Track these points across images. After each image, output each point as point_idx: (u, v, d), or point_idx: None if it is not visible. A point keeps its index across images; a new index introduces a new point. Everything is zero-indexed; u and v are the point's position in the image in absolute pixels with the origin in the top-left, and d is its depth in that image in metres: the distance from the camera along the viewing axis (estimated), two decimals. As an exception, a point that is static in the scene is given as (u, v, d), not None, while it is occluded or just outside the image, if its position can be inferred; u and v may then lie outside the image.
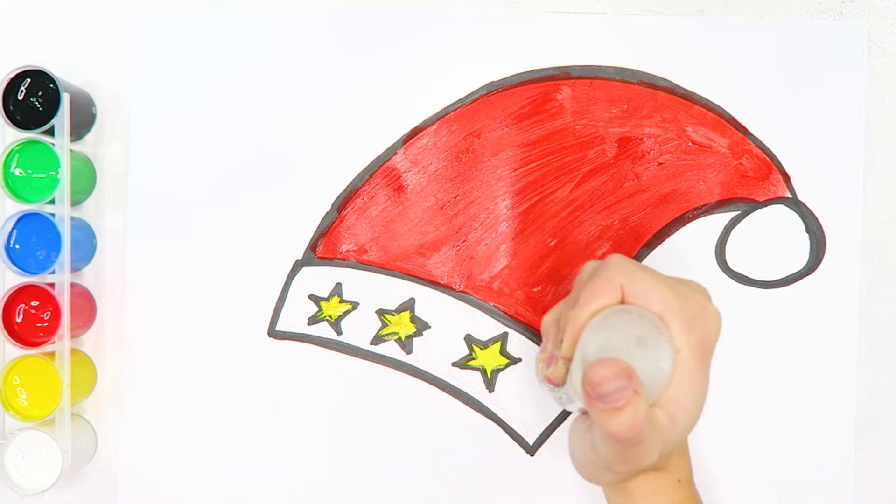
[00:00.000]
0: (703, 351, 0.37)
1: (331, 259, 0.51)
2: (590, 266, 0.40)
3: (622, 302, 0.37)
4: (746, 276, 0.51)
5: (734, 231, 0.51)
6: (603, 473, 0.39)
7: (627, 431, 0.34)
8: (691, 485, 0.41)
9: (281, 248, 0.51)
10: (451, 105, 0.51)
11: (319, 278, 0.51)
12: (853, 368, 0.50)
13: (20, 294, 0.49)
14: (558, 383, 0.39)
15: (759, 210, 0.51)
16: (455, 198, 0.51)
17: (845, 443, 0.50)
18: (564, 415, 0.51)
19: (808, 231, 0.51)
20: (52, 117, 0.48)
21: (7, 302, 0.48)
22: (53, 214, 0.48)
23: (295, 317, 0.51)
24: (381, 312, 0.51)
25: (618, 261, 0.38)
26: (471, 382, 0.51)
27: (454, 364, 0.51)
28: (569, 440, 0.41)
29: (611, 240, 0.51)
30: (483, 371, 0.51)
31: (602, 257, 0.50)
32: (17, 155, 0.49)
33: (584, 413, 0.40)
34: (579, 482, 0.50)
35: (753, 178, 0.51)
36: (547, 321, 0.42)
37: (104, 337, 0.52)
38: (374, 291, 0.51)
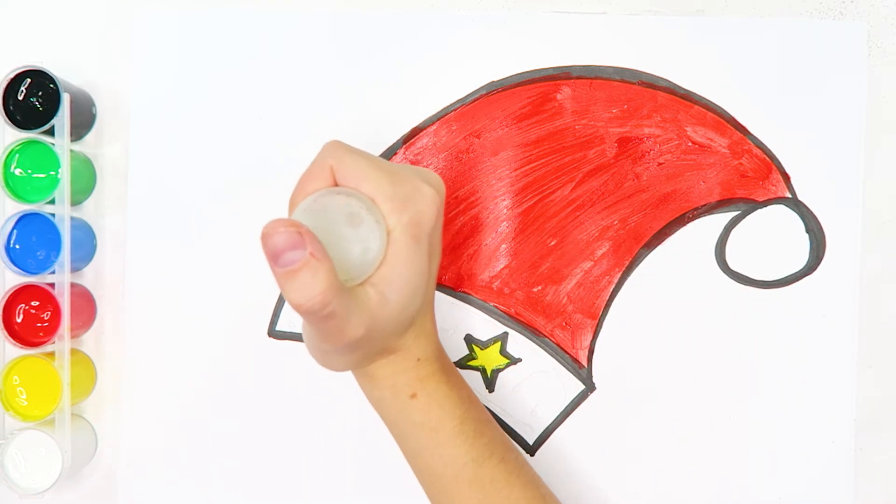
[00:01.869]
0: (417, 230, 0.37)
1: (331, 259, 0.51)
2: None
3: (334, 185, 0.37)
4: (746, 276, 0.51)
5: (734, 231, 0.51)
6: (330, 358, 0.39)
7: (307, 298, 0.33)
8: (433, 361, 0.41)
9: (281, 248, 0.51)
10: (451, 105, 0.51)
11: (319, 278, 0.51)
12: (853, 368, 0.50)
13: (20, 294, 0.49)
14: None
15: (759, 210, 0.51)
16: (455, 198, 0.51)
17: (845, 443, 0.50)
18: (564, 415, 0.51)
19: (808, 231, 0.51)
20: (52, 117, 0.48)
21: (7, 302, 0.48)
22: (53, 214, 0.48)
23: (295, 317, 0.51)
24: (381, 312, 0.51)
25: (330, 145, 0.38)
26: (471, 382, 0.51)
27: (454, 364, 0.51)
28: (303, 334, 0.40)
29: (611, 240, 0.51)
30: (483, 371, 0.51)
31: (602, 257, 0.51)
32: (17, 155, 0.49)
33: None
34: (579, 482, 0.50)
35: (753, 178, 0.51)
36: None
37: (104, 337, 0.52)
38: (374, 291, 0.51)
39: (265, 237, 0.33)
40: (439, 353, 0.42)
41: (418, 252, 0.37)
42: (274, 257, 0.33)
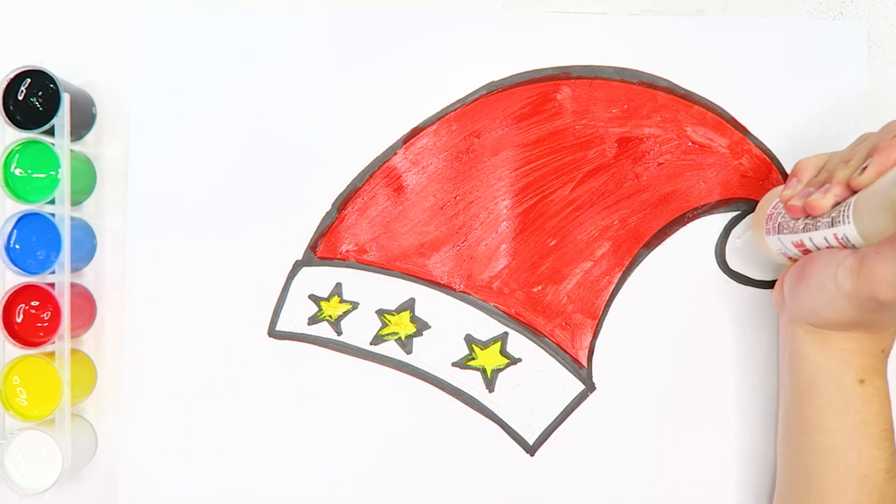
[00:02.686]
0: None
1: (331, 259, 0.51)
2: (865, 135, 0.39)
3: None
4: (746, 276, 0.51)
5: (734, 231, 0.51)
6: (826, 309, 0.37)
7: None
8: (885, 359, 0.40)
9: (281, 248, 0.51)
10: (451, 105, 0.51)
11: (319, 278, 0.51)
12: (853, 368, 0.50)
13: (20, 294, 0.49)
14: (818, 212, 0.38)
15: (759, 210, 0.51)
16: (455, 198, 0.51)
17: (845, 443, 0.50)
18: (564, 415, 0.51)
19: (808, 231, 0.51)
20: (52, 117, 0.48)
21: (7, 302, 0.48)
22: (53, 214, 0.48)
23: (295, 317, 0.51)
24: (381, 312, 0.51)
25: None
26: (471, 382, 0.51)
27: (454, 364, 0.51)
28: (799, 271, 0.39)
29: (611, 240, 0.51)
30: (483, 371, 0.51)
31: (602, 257, 0.50)
32: (17, 155, 0.49)
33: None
34: (579, 482, 0.50)
35: (753, 178, 0.51)
36: (805, 162, 0.41)
37: (104, 337, 0.52)
38: (374, 291, 0.51)
39: None
40: (889, 353, 0.41)
41: None
42: None
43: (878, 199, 0.35)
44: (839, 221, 0.37)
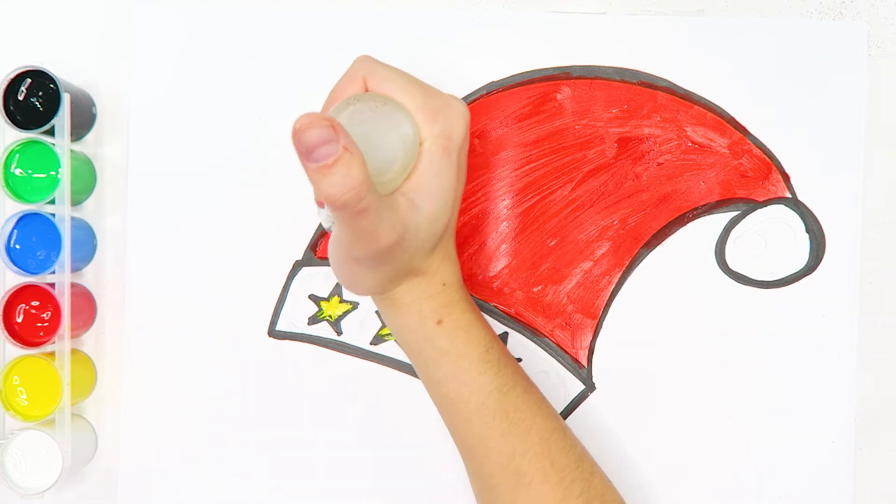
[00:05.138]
0: (447, 142, 0.37)
1: (331, 259, 0.51)
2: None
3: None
4: (746, 276, 0.51)
5: (734, 231, 0.51)
6: (359, 274, 0.38)
7: (342, 192, 0.33)
8: (459, 288, 0.41)
9: (281, 248, 0.51)
10: (451, 105, 0.51)
11: (319, 278, 0.51)
12: (853, 368, 0.50)
13: (20, 294, 0.49)
14: (321, 203, 0.38)
15: (759, 210, 0.51)
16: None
17: (845, 443, 0.50)
18: (564, 415, 0.51)
19: (808, 231, 0.51)
20: (52, 117, 0.48)
21: (7, 302, 0.48)
22: (53, 214, 0.48)
23: (295, 317, 0.51)
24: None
25: (361, 58, 0.39)
26: (471, 382, 0.51)
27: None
28: (329, 258, 0.40)
29: (611, 240, 0.51)
30: (483, 371, 0.51)
31: (602, 257, 0.51)
32: (17, 155, 0.49)
33: None
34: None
35: (753, 178, 0.51)
36: None
37: (104, 337, 0.52)
38: (374, 291, 0.51)
39: (298, 133, 0.33)
40: (461, 280, 0.42)
41: (448, 164, 0.37)
42: (307, 152, 0.33)
43: None
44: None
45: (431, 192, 0.37)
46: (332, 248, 0.39)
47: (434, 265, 0.40)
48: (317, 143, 0.32)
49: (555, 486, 0.40)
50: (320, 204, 0.39)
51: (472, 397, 0.40)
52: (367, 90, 0.38)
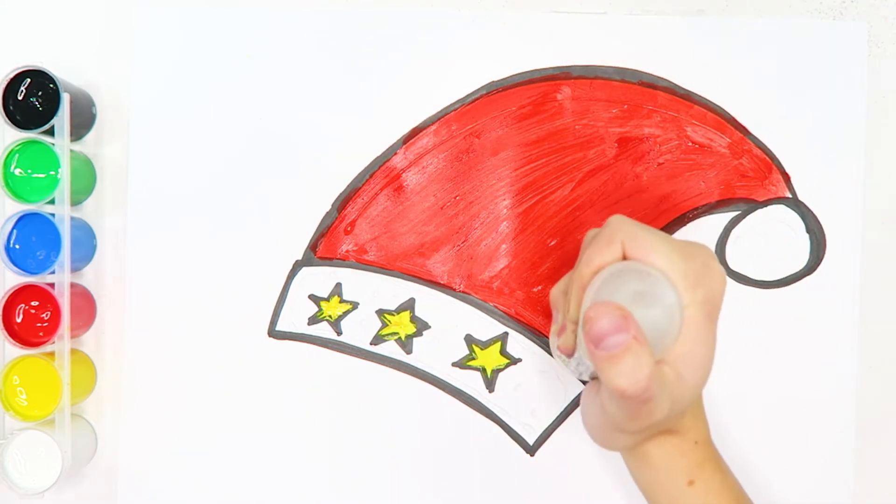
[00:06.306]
0: (709, 307, 0.36)
1: (331, 259, 0.51)
2: (591, 233, 0.40)
3: (624, 259, 0.37)
4: (746, 276, 0.51)
5: (734, 231, 0.51)
6: (616, 437, 0.38)
7: (630, 383, 0.33)
8: (709, 445, 0.40)
9: (281, 248, 0.51)
10: (451, 105, 0.51)
11: (319, 278, 0.51)
12: (853, 368, 0.50)
13: (20, 294, 0.49)
14: (569, 352, 0.38)
15: (759, 210, 0.51)
16: (455, 198, 0.51)
17: (845, 443, 0.50)
18: (564, 415, 0.51)
19: (808, 231, 0.51)
20: (52, 117, 0.48)
21: (7, 302, 0.48)
22: (53, 214, 0.48)
23: (295, 317, 0.51)
24: (380, 312, 0.51)
25: (618, 219, 0.38)
26: (471, 382, 0.51)
27: (454, 364, 0.51)
28: (581, 409, 0.40)
29: (611, 240, 0.51)
30: (483, 371, 0.51)
31: (602, 257, 0.50)
32: (17, 155, 0.49)
33: (596, 379, 0.39)
34: (579, 482, 0.50)
35: (753, 178, 0.51)
36: (555, 293, 0.41)
37: (104, 337, 0.52)
38: (374, 291, 0.51)
39: (590, 321, 0.33)
40: (710, 437, 0.41)
41: (710, 329, 0.36)
42: (597, 341, 0.33)
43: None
44: (584, 359, 0.38)
45: (695, 361, 0.36)
46: (593, 411, 0.39)
47: (687, 424, 0.39)
48: (608, 331, 0.33)
49: None
50: (565, 351, 0.39)
51: None
52: (624, 255, 0.37)
